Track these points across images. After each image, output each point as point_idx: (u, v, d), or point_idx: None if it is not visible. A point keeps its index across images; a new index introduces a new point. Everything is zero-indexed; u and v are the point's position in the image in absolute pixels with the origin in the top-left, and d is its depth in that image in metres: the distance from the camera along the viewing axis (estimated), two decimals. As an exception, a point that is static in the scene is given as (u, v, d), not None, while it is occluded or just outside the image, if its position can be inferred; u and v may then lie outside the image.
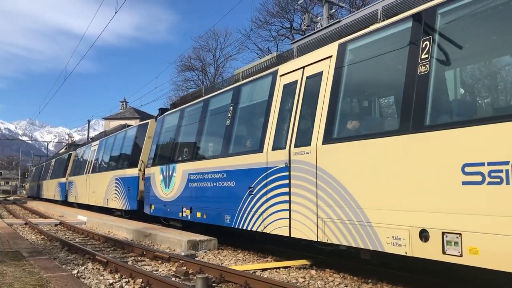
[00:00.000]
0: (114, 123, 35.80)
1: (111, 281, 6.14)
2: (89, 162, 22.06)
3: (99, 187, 19.24)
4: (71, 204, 25.66)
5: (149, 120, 16.06)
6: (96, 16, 17.96)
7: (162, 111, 14.02)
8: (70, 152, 28.48)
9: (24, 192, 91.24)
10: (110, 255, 8.37)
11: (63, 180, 27.58)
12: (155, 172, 12.47)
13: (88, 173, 21.55)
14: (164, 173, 11.81)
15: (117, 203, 16.50)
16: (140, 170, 14.76)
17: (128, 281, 6.17)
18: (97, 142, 21.76)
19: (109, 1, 15.32)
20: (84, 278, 6.28)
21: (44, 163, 40.73)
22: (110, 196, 17.35)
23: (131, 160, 15.80)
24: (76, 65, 25.83)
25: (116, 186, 16.73)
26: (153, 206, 12.59)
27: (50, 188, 32.70)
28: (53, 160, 34.75)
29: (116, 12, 14.71)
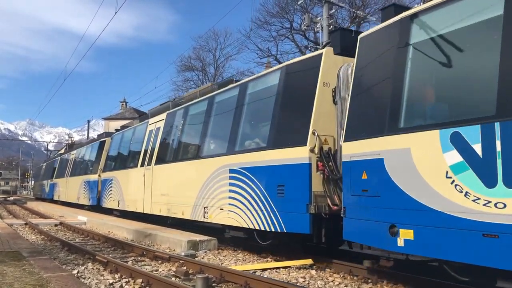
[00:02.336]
0: (114, 123, 35.36)
1: (111, 281, 6.14)
2: (147, 148, 13.85)
3: (190, 183, 10.55)
4: (109, 212, 18.17)
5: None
6: (96, 15, 17.98)
7: None
8: (103, 139, 20.81)
9: (26, 192, 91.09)
10: (110, 255, 8.36)
11: (93, 177, 20.00)
12: (420, 146, 5.04)
13: (148, 164, 13.38)
14: (478, 147, 4.45)
15: (254, 219, 8.05)
16: (313, 151, 7.02)
17: (128, 281, 6.16)
18: (162, 116, 13.27)
19: (109, 0, 15.33)
20: (84, 278, 6.28)
21: (59, 157, 32.73)
22: (220, 201, 9.17)
23: (295, 129, 7.55)
24: (76, 65, 25.83)
25: (235, 187, 8.61)
26: (408, 233, 5.15)
27: (71, 188, 24.58)
28: (74, 152, 26.78)
29: (116, 12, 14.72)
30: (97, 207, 19.32)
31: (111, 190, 17.21)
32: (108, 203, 17.65)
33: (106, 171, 18.44)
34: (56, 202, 29.61)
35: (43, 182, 38.24)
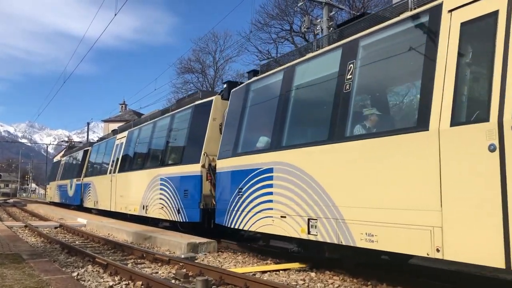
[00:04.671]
0: (114, 126, 35.14)
1: (111, 283, 6.15)
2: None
3: None
4: (257, 239, 10.00)
5: None
6: (95, 18, 18.01)
7: None
8: (200, 102, 11.46)
9: (25, 195, 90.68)
10: (110, 257, 8.37)
11: (187, 169, 11.09)
12: None
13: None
14: None
15: None
16: None
17: (128, 284, 6.17)
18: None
19: (108, 3, 15.36)
20: (84, 281, 6.29)
21: (90, 146, 23.22)
22: None
23: None
24: (76, 67, 25.79)
25: None
26: None
27: (125, 191, 15.71)
28: (122, 135, 17.29)
29: (115, 15, 14.76)
30: (200, 226, 10.75)
31: (267, 195, 7.56)
32: (254, 223, 7.89)
33: (235, 155, 8.82)
34: (88, 210, 20.91)
35: (63, 183, 27.06)
